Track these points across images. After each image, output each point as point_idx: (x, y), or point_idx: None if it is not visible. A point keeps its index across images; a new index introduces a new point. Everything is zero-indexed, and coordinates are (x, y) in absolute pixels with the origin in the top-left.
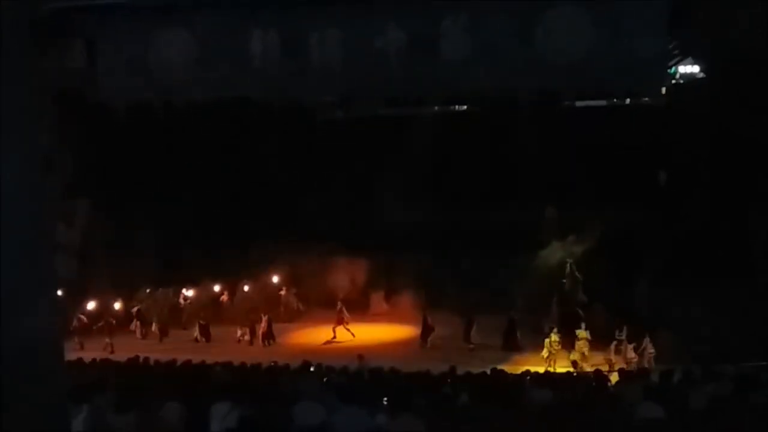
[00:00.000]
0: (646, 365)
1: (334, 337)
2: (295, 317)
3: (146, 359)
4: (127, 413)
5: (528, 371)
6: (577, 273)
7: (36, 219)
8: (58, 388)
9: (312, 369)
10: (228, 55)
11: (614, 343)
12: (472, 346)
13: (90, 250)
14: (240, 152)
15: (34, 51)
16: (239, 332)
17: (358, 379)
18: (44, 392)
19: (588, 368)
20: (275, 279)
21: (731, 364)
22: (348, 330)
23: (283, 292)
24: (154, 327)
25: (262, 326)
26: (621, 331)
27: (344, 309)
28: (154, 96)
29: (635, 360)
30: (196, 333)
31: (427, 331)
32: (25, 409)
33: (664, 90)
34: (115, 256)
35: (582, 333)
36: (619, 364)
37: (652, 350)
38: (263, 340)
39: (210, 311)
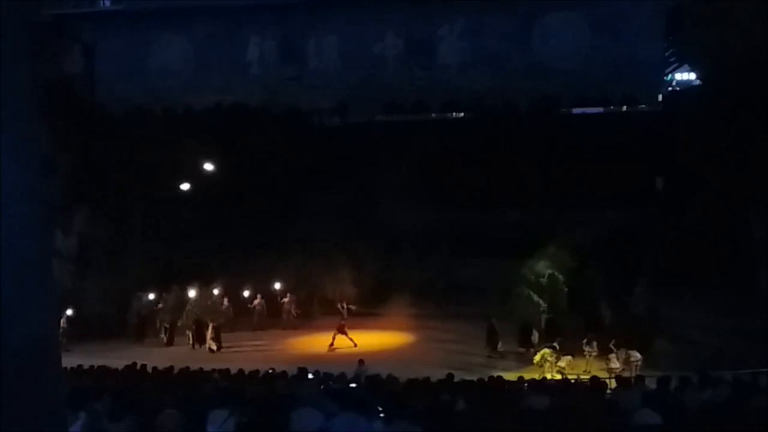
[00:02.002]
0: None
1: (332, 344)
2: (295, 325)
3: (143, 366)
4: (123, 420)
5: (522, 377)
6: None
7: (35, 224)
8: (56, 394)
9: (311, 375)
10: (226, 62)
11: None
12: (531, 350)
13: (86, 255)
14: (237, 158)
15: (33, 55)
16: (189, 338)
17: (356, 385)
18: (42, 399)
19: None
20: (278, 286)
21: (728, 371)
22: (350, 339)
23: (286, 300)
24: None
25: (209, 333)
26: (591, 341)
27: (345, 316)
28: (152, 101)
29: (620, 370)
30: (162, 336)
31: (493, 337)
32: (22, 416)
33: (660, 97)
34: (111, 260)
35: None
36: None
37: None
38: (198, 344)
39: (175, 316)
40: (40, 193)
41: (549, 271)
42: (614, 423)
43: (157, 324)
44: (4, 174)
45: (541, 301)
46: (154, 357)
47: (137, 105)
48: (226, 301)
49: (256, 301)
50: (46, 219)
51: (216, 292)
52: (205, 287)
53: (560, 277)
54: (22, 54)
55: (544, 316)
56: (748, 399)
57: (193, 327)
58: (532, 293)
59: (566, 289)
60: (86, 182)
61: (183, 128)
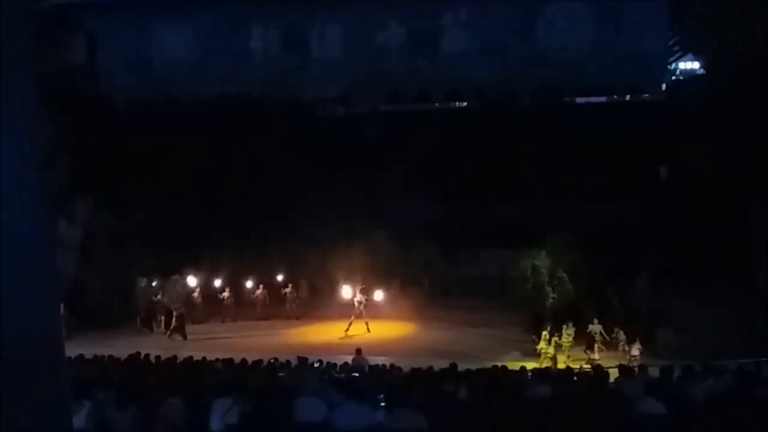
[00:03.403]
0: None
1: (347, 330)
2: (298, 314)
3: (147, 355)
4: (127, 409)
5: (524, 367)
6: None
7: (37, 215)
8: (60, 392)
9: (316, 365)
10: (229, 51)
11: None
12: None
13: (89, 245)
14: (240, 147)
15: (36, 46)
16: (161, 324)
17: (359, 375)
18: (45, 397)
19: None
20: (281, 276)
21: (731, 360)
22: (348, 326)
23: (288, 290)
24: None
25: (173, 322)
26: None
27: (361, 303)
28: (155, 91)
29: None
30: (139, 325)
31: (540, 326)
32: (26, 408)
33: (664, 86)
34: (113, 251)
35: (569, 331)
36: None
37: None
38: (166, 333)
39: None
40: (42, 187)
41: (550, 263)
42: (618, 412)
43: (138, 312)
44: (6, 167)
45: (569, 286)
46: (156, 345)
47: (140, 95)
48: (227, 292)
49: (258, 291)
50: (49, 214)
51: (184, 281)
52: (176, 277)
53: (571, 269)
54: (24, 45)
55: (549, 307)
56: (751, 388)
57: (163, 314)
58: (566, 280)
59: (570, 281)
60: (89, 173)
61: (186, 118)
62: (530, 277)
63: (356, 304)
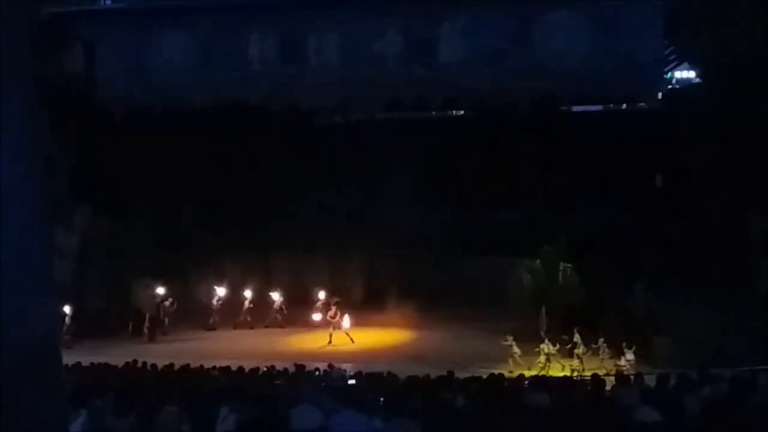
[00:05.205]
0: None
1: (330, 342)
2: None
3: (144, 363)
4: (125, 417)
5: (522, 375)
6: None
7: (36, 223)
8: (57, 394)
9: (318, 372)
10: (227, 60)
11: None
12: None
13: (87, 253)
14: (238, 155)
15: (35, 54)
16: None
17: (356, 383)
18: (43, 398)
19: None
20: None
21: (728, 368)
22: (330, 338)
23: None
24: None
25: (145, 325)
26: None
27: (339, 314)
28: (153, 99)
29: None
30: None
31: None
32: (23, 415)
33: (660, 95)
34: (112, 258)
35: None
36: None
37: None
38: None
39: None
40: (41, 192)
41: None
42: (614, 420)
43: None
44: (6, 173)
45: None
46: (154, 352)
47: (138, 103)
48: (218, 298)
49: (277, 302)
50: (47, 218)
51: (154, 284)
52: (147, 279)
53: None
54: (23, 53)
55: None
56: (747, 397)
57: (134, 317)
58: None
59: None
60: (88, 180)
61: (184, 125)
62: (562, 281)
63: (329, 317)
